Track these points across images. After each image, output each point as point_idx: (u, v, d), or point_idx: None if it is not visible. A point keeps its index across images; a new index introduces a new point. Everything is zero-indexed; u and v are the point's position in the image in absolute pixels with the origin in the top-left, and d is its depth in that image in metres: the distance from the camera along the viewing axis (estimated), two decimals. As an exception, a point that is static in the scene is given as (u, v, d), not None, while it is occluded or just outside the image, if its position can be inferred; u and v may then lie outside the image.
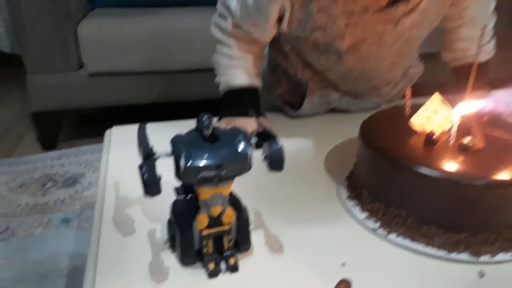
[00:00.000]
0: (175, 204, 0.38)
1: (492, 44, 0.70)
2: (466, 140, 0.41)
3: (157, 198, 0.33)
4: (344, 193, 0.48)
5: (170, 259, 0.39)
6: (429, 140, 0.42)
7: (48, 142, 1.49)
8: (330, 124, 0.66)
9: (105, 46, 1.37)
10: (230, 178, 0.35)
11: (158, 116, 1.57)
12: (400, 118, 0.47)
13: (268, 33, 0.60)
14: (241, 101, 0.63)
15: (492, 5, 0.68)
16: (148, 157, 0.33)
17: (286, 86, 0.70)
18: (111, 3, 1.69)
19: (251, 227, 0.42)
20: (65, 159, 1.38)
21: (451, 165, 0.39)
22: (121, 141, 0.61)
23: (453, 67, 0.72)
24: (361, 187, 0.46)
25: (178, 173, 0.33)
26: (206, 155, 0.33)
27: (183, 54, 1.43)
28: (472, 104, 0.43)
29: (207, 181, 0.34)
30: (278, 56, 0.69)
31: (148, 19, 1.45)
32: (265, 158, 0.36)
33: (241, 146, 0.34)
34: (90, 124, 1.67)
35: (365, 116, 0.50)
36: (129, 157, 0.41)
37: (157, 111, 1.67)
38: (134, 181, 0.35)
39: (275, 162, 0.36)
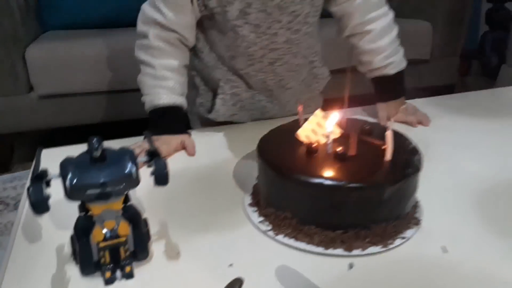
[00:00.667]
0: (77, 220, 0.42)
1: (399, 55, 0.77)
2: (339, 148, 0.46)
3: (69, 215, 0.39)
4: (248, 200, 0.53)
5: (73, 270, 0.42)
6: (310, 150, 0.47)
7: (1, 165, 1.49)
8: (251, 131, 0.71)
9: (53, 68, 1.39)
10: (118, 194, 0.39)
11: (108, 134, 1.62)
12: (294, 131, 0.52)
13: (189, 17, 0.67)
14: (165, 119, 0.68)
15: (390, 17, 0.75)
16: (36, 179, 0.37)
17: (203, 92, 0.76)
18: (61, 25, 1.72)
19: (154, 237, 0.46)
20: (17, 182, 1.38)
21: (325, 172, 0.45)
22: (49, 163, 0.64)
23: (369, 78, 0.79)
24: (260, 194, 0.51)
25: (66, 192, 0.37)
26: (90, 175, 0.37)
27: (130, 73, 1.46)
28: (336, 116, 0.49)
29: (96, 198, 0.38)
30: (196, 63, 0.75)
31: (96, 41, 1.48)
32: (152, 173, 0.41)
33: (126, 165, 0.39)
34: (42, 145, 1.68)
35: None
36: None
37: (107, 129, 1.69)
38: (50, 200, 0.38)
39: (159, 177, 0.40)
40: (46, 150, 0.68)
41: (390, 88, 0.77)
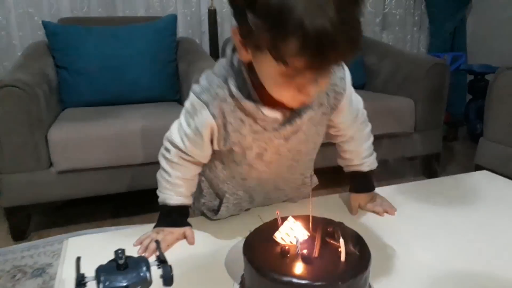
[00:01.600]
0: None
1: (373, 157, 0.93)
2: (304, 250, 0.60)
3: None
4: (236, 285, 0.66)
5: None
6: (283, 251, 0.61)
7: (19, 234, 1.62)
8: (244, 221, 0.85)
9: (72, 146, 1.56)
10: (136, 292, 0.53)
11: (120, 203, 1.80)
12: (273, 232, 0.66)
13: (206, 152, 0.81)
14: (172, 215, 0.83)
15: (369, 128, 0.91)
16: (79, 283, 0.51)
17: (207, 195, 0.91)
18: (79, 103, 1.92)
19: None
20: (34, 250, 1.51)
21: (293, 271, 0.58)
22: (76, 252, 0.78)
23: (346, 172, 0.94)
24: (245, 284, 0.64)
25: (99, 293, 0.51)
26: (117, 279, 0.51)
27: (143, 149, 1.64)
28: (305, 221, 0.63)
29: (120, 296, 0.52)
30: (207, 173, 0.89)
31: (109, 121, 1.66)
32: (160, 276, 0.54)
33: (142, 271, 0.53)
34: (57, 214, 1.82)
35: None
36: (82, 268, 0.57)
37: (117, 199, 1.85)
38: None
39: (166, 280, 0.54)
40: (73, 239, 0.83)
41: (362, 182, 0.92)
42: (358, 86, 2.34)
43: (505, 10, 2.85)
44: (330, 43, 0.53)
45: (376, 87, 2.28)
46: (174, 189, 0.83)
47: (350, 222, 0.73)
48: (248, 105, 0.71)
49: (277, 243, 0.64)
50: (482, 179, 1.10)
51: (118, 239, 0.84)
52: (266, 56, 0.59)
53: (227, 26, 2.57)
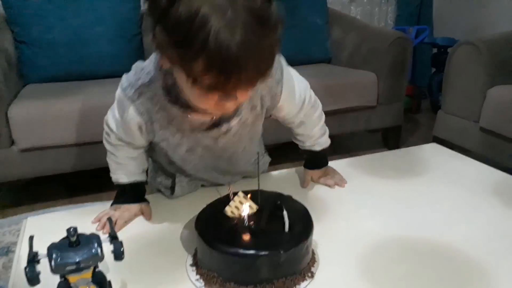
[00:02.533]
0: (59, 285, 0.58)
1: (325, 137, 0.96)
2: (251, 223, 0.64)
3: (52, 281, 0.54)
4: (189, 261, 0.70)
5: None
6: (231, 225, 0.65)
7: (-17, 213, 1.60)
8: (200, 198, 0.88)
9: (34, 124, 1.54)
10: (88, 268, 0.56)
11: (83, 181, 1.80)
12: (224, 207, 0.70)
13: (139, 141, 0.81)
14: (127, 193, 0.86)
15: (319, 111, 0.93)
16: (31, 260, 0.53)
17: (161, 175, 0.93)
18: (40, 79, 1.88)
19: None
20: (-1, 229, 1.50)
21: (240, 243, 0.62)
22: (34, 231, 0.79)
23: (300, 150, 0.98)
24: (197, 257, 0.68)
25: (51, 268, 0.53)
26: (68, 256, 0.54)
27: (102, 126, 1.63)
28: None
29: (72, 271, 0.54)
30: (154, 155, 0.92)
31: (71, 97, 1.63)
32: (112, 251, 0.57)
33: (94, 247, 0.55)
34: (23, 192, 1.81)
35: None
36: (38, 246, 0.59)
37: (83, 176, 1.85)
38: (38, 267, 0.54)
39: (117, 255, 0.57)
40: (31, 218, 0.85)
41: (315, 160, 0.97)
42: (324, 60, 2.37)
43: (469, -16, 2.91)
44: (233, 66, 0.53)
45: (341, 61, 2.32)
46: (123, 168, 0.85)
47: (300, 195, 0.77)
48: (174, 110, 0.71)
49: (227, 217, 0.68)
50: (431, 151, 1.17)
51: (74, 217, 0.85)
52: (180, 73, 0.58)
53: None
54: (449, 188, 0.95)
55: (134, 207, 0.84)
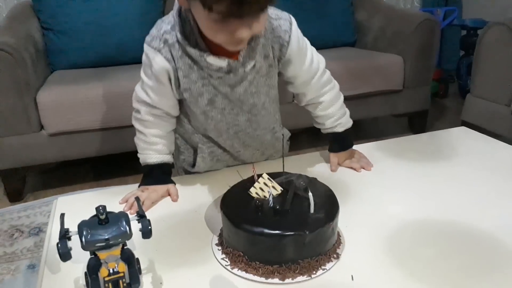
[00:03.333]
0: (89, 261, 0.60)
1: (346, 117, 0.95)
2: (276, 204, 0.64)
3: (83, 257, 0.56)
4: (215, 240, 0.71)
5: (86, 297, 0.60)
6: (256, 205, 0.65)
7: (15, 195, 1.67)
8: (224, 178, 0.89)
9: (62, 109, 1.58)
10: (117, 245, 0.57)
11: (108, 165, 1.84)
12: (248, 188, 0.70)
13: (171, 100, 0.84)
14: (155, 173, 0.87)
15: (336, 89, 0.93)
16: (63, 236, 0.55)
17: (185, 151, 0.94)
18: (67, 65, 1.92)
19: (144, 271, 0.64)
20: (30, 211, 1.56)
21: (265, 223, 0.62)
22: (64, 209, 0.82)
23: (324, 134, 0.97)
24: (223, 236, 0.69)
25: (82, 245, 0.55)
26: (98, 233, 0.55)
27: (129, 111, 1.65)
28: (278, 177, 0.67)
29: (102, 248, 0.56)
30: (178, 128, 0.93)
31: (98, 83, 1.66)
32: (140, 230, 0.58)
33: (122, 225, 0.56)
34: (52, 175, 1.87)
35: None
36: (68, 224, 0.61)
37: (110, 160, 1.89)
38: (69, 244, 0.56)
39: (145, 233, 0.58)
40: (62, 198, 0.87)
41: (339, 142, 0.96)
42: (348, 43, 2.32)
43: (501, -38, 2.78)
44: None
45: (366, 44, 2.27)
46: (151, 147, 0.86)
47: (325, 178, 0.77)
48: (193, 52, 0.75)
49: (252, 198, 0.68)
50: (460, 135, 1.14)
51: (103, 197, 0.88)
52: (197, 4, 0.63)
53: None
54: (479, 172, 0.92)
55: (161, 188, 0.85)
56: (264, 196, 0.68)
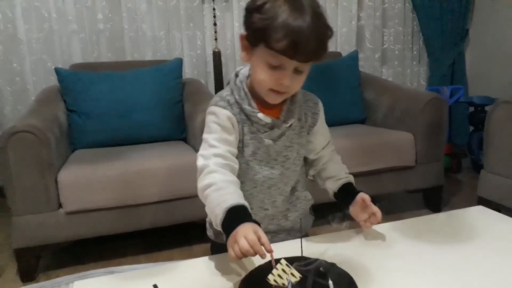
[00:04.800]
0: None
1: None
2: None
3: None
4: (233, 330, 0.69)
5: None
6: (275, 293, 0.64)
7: (27, 275, 1.65)
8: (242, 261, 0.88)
9: (81, 188, 1.61)
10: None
11: (127, 243, 1.83)
12: (267, 273, 0.69)
13: (235, 148, 0.93)
14: (237, 215, 0.78)
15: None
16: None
17: None
18: (88, 145, 1.99)
19: None
20: (42, 291, 1.53)
21: (285, 312, 0.61)
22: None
23: (337, 193, 1.04)
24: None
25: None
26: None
27: (146, 189, 1.68)
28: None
29: None
30: None
31: (119, 161, 1.71)
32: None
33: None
34: (65, 254, 1.86)
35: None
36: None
37: (124, 237, 1.88)
38: None
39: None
40: (78, 282, 0.87)
41: (355, 189, 1.02)
42: (358, 121, 2.39)
43: (502, 42, 2.93)
44: (303, 38, 0.79)
45: (375, 122, 2.33)
46: (226, 192, 0.82)
47: (343, 261, 0.76)
48: (248, 109, 0.93)
49: (270, 286, 0.67)
50: (478, 215, 1.12)
51: (118, 282, 0.87)
52: (259, 49, 0.84)
53: (231, 66, 2.67)
54: (500, 256, 0.90)
55: (251, 227, 0.74)
56: (283, 284, 0.67)
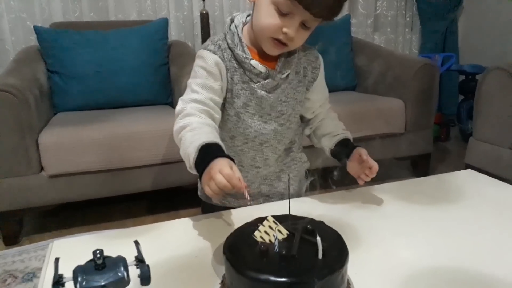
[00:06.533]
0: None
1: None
2: (282, 249, 0.61)
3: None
4: (217, 286, 0.67)
5: None
6: (261, 250, 0.62)
7: (10, 239, 1.62)
8: (232, 219, 0.86)
9: (63, 151, 1.57)
10: (114, 291, 0.53)
11: (109, 208, 1.79)
12: (253, 231, 0.67)
13: (219, 98, 0.89)
14: (209, 151, 0.74)
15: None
16: (56, 282, 0.51)
17: None
18: (70, 108, 1.93)
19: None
20: (25, 255, 1.51)
21: (271, 270, 0.59)
22: (59, 254, 0.78)
23: (334, 148, 1.00)
24: (226, 283, 0.65)
25: (77, 292, 0.52)
26: (94, 279, 0.52)
27: (133, 152, 1.64)
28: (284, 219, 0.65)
29: (97, 295, 0.52)
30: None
31: (102, 124, 1.66)
32: (138, 276, 0.55)
33: (120, 271, 0.53)
34: (49, 218, 1.83)
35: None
36: (63, 269, 0.58)
37: (109, 202, 1.85)
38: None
39: (143, 279, 0.55)
40: (58, 241, 0.84)
41: (353, 144, 1.00)
42: (349, 87, 2.36)
43: (495, 11, 2.88)
44: None
45: (366, 89, 2.30)
46: (200, 132, 0.78)
47: (332, 221, 0.74)
48: (240, 55, 0.88)
49: (256, 242, 0.65)
50: (466, 178, 1.12)
51: (100, 241, 0.84)
52: None
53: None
54: (488, 217, 0.89)
55: (224, 162, 0.71)
56: (269, 240, 0.64)
